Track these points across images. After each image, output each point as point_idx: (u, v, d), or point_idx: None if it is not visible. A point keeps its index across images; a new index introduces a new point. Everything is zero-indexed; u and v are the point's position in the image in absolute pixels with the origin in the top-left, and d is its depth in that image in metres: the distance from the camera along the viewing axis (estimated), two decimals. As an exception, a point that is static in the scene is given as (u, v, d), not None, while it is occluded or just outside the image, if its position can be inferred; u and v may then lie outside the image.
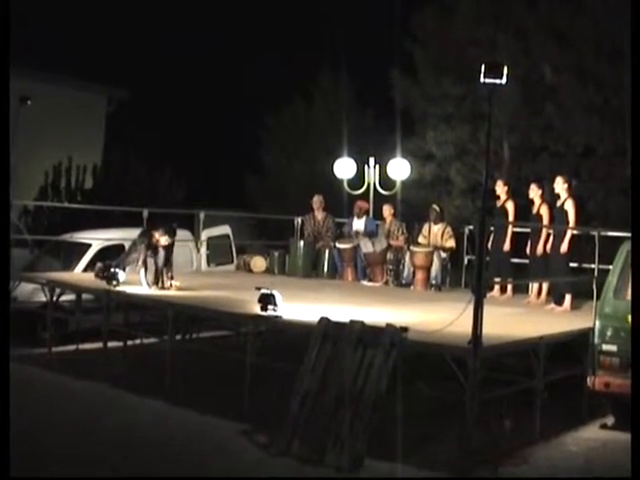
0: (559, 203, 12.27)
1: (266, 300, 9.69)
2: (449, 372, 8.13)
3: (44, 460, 7.82)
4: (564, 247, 11.96)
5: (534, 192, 12.91)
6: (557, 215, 12.28)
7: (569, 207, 12.08)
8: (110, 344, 12.23)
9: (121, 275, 12.11)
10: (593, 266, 10.86)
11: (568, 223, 12.02)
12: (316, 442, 8.13)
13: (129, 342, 13.16)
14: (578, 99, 21.93)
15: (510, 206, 13.39)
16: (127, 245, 15.24)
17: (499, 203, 13.56)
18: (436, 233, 14.80)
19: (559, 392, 9.63)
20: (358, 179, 18.56)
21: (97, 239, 15.28)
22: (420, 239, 15.04)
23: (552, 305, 12.20)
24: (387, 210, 15.88)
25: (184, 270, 15.44)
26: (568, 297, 11.98)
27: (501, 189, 13.59)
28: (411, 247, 14.82)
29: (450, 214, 16.43)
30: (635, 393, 7.71)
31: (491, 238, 12.94)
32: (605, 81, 21.76)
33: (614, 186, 21.96)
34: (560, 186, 12.30)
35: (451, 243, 14.76)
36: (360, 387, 8.19)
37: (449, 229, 14.88)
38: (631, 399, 7.88)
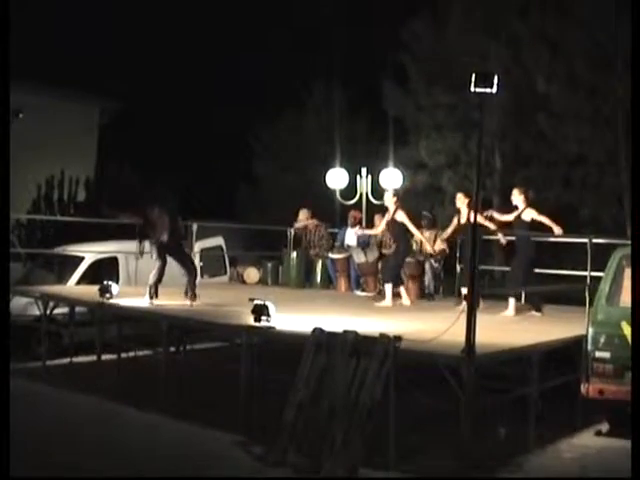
0: (516, 213, 12.35)
1: (260, 311, 9.70)
2: (444, 380, 8.15)
3: (39, 472, 7.83)
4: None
5: (461, 201, 12.97)
6: (517, 226, 12.36)
7: (528, 216, 12.18)
8: (104, 357, 12.23)
9: (114, 288, 12.11)
10: (585, 273, 10.89)
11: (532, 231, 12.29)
12: (312, 452, 8.14)
13: (123, 355, 13.14)
14: (569, 107, 22.01)
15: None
16: (120, 258, 15.31)
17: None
18: (428, 239, 14.83)
19: (553, 399, 9.65)
20: (350, 189, 18.60)
21: (90, 252, 15.28)
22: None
23: (532, 312, 12.37)
24: (379, 220, 15.92)
25: (177, 282, 15.43)
26: (512, 301, 12.20)
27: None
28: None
29: (442, 223, 16.44)
30: (635, 393, 7.73)
31: None
32: (596, 89, 21.85)
33: (606, 193, 22.02)
34: (516, 197, 12.39)
35: (441, 246, 14.76)
36: (354, 396, 8.21)
37: (440, 234, 14.89)
38: (631, 399, 7.90)
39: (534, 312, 12.30)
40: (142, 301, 12.08)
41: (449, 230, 13.64)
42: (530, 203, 12.39)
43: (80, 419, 10.23)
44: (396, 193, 13.82)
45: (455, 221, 13.22)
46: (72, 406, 10.85)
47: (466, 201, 12.86)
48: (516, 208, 12.39)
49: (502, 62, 22.18)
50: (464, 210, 12.85)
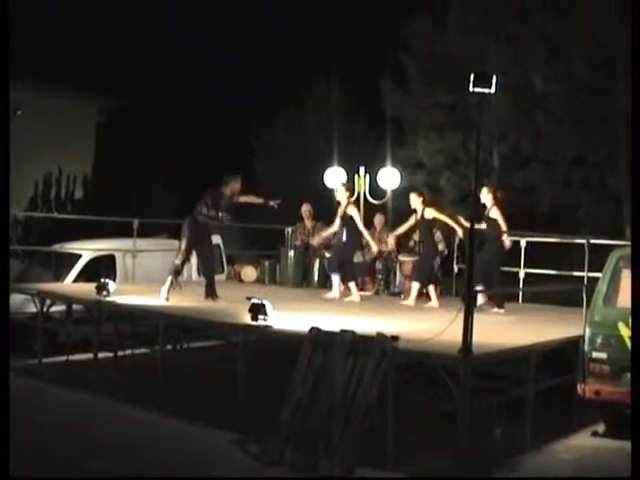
0: (486, 212, 12.68)
1: (257, 310, 9.71)
2: (441, 380, 8.17)
3: (35, 471, 7.85)
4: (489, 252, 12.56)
5: (415, 201, 13.26)
6: (486, 224, 12.68)
7: (495, 215, 12.53)
8: (100, 355, 12.26)
9: (111, 285, 12.12)
10: (583, 274, 10.91)
11: (499, 230, 12.52)
12: (308, 451, 8.16)
13: (120, 353, 13.17)
14: (568, 107, 22.02)
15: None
16: (118, 255, 15.32)
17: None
18: None
19: (550, 400, 9.67)
20: (349, 188, 18.57)
21: (88, 249, 15.29)
22: (411, 244, 15.10)
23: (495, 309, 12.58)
24: (377, 218, 15.97)
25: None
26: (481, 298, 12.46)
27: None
28: (399, 256, 14.89)
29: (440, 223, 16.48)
30: (636, 393, 7.76)
31: None
32: (595, 89, 21.85)
33: (605, 194, 22.04)
34: (485, 196, 12.77)
35: (440, 247, 14.77)
36: (351, 396, 8.23)
37: (439, 234, 14.91)
38: (631, 399, 7.92)
39: (496, 309, 12.48)
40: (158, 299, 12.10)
41: (401, 229, 14.02)
42: (498, 202, 12.68)
43: (76, 417, 10.25)
44: (347, 187, 14.08)
45: (412, 219, 13.46)
46: (68, 404, 10.86)
47: (420, 200, 13.17)
48: (484, 206, 12.66)
49: (501, 62, 22.17)
50: (419, 209, 13.15)
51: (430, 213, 13.07)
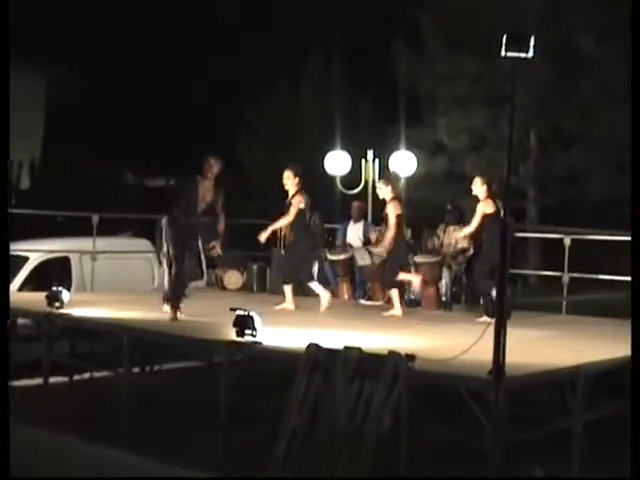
0: (480, 211, 12.88)
1: (243, 323, 9.71)
2: (465, 408, 8.15)
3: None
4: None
5: (383, 191, 13.49)
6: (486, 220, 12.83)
7: (481, 209, 12.76)
8: (53, 379, 12.22)
9: (65, 295, 12.09)
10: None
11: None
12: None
13: (76, 377, 13.15)
14: (622, 75, 21.99)
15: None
16: (73, 258, 15.29)
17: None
18: (451, 236, 14.84)
19: (602, 432, 9.63)
20: (354, 176, 18.59)
21: (36, 251, 15.26)
22: (431, 243, 15.07)
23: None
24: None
25: (144, 288, 15.45)
26: None
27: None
28: (415, 257, 14.86)
29: (466, 217, 16.39)
30: (635, 392, 7.76)
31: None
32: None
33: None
34: (478, 188, 12.92)
35: (465, 244, 14.76)
36: (358, 426, 8.20)
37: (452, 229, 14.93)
38: (631, 398, 7.92)
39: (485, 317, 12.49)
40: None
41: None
42: (492, 196, 12.82)
43: (23, 458, 10.18)
44: (297, 173, 13.85)
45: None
46: (13, 442, 10.81)
47: (388, 189, 13.42)
48: (477, 200, 12.87)
49: (539, 19, 22.14)
50: (388, 199, 13.39)
51: (392, 209, 13.20)
